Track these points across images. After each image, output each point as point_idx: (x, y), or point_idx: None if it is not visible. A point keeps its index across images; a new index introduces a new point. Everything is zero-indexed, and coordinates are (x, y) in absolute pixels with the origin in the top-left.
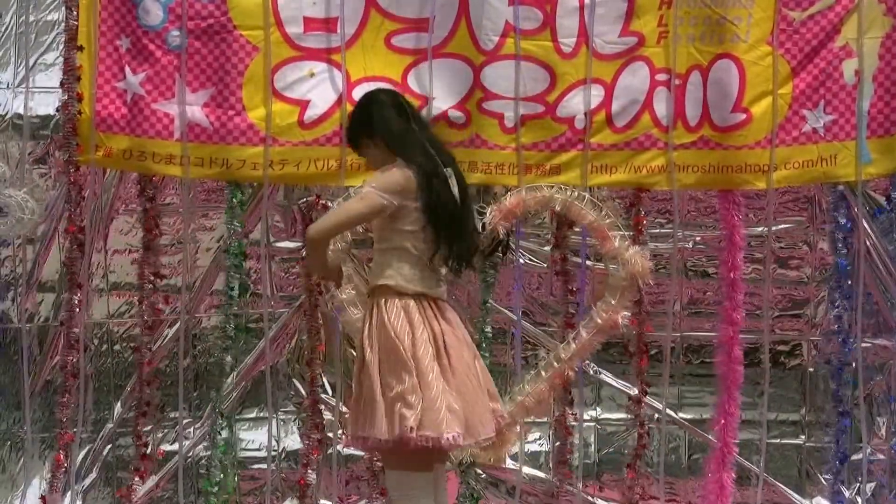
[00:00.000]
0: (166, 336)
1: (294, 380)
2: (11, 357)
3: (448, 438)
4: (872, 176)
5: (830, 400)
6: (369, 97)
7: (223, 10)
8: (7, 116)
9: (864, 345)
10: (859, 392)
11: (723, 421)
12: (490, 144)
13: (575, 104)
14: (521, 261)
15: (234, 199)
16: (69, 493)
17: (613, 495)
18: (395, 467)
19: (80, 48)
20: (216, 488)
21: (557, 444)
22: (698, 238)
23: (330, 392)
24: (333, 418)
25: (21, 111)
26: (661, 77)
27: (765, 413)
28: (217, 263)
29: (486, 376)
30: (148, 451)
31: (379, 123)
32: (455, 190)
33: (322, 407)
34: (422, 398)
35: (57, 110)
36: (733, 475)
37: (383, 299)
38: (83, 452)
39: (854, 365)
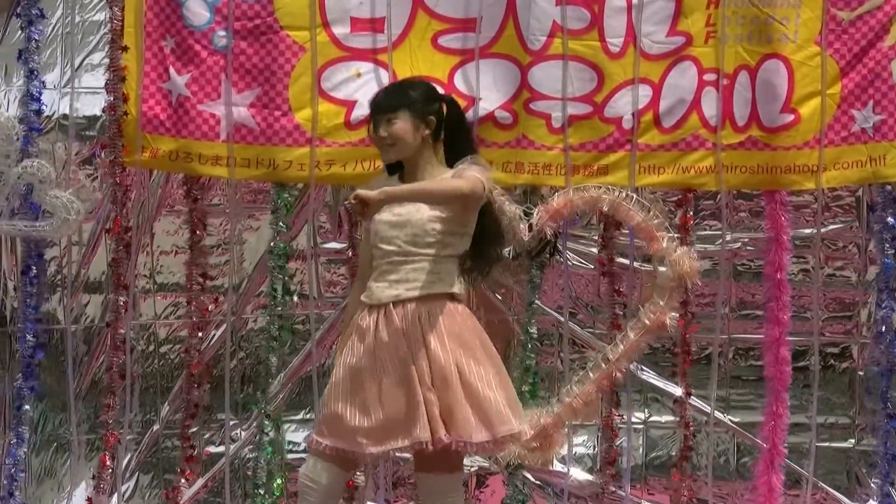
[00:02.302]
0: (213, 337)
1: None
2: (58, 358)
3: None
4: None
5: (879, 402)
6: (448, 97)
7: (269, 11)
8: (53, 117)
9: None
10: None
11: (771, 423)
12: (537, 145)
13: (622, 104)
14: (569, 262)
15: (280, 200)
16: (115, 495)
17: (661, 498)
18: (455, 469)
19: (125, 48)
20: (262, 490)
21: (604, 446)
22: (747, 239)
23: None
24: None
25: (67, 112)
26: (708, 77)
27: (814, 416)
28: (263, 264)
29: None
30: (195, 452)
31: (450, 118)
32: None
33: None
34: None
35: (103, 111)
36: (782, 478)
37: (449, 306)
38: (129, 454)
39: None
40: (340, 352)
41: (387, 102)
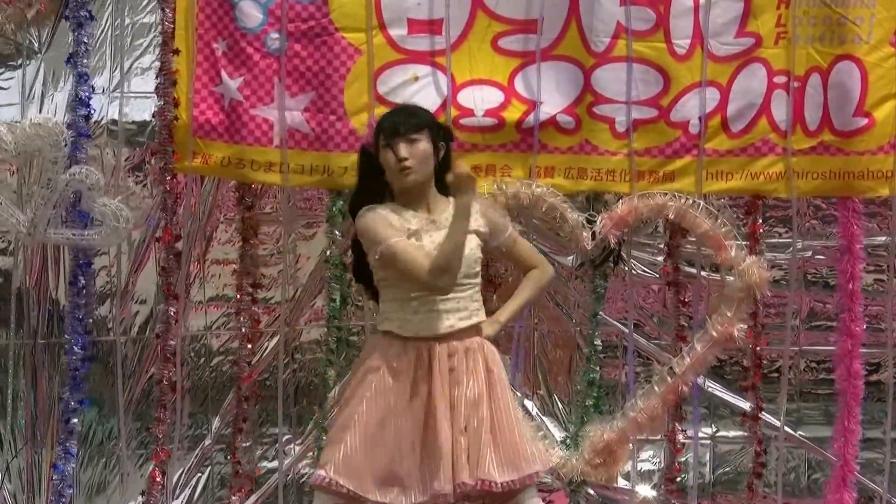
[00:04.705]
0: (266, 349)
1: None
2: (107, 368)
3: None
4: None
5: None
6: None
7: (324, 12)
8: (102, 122)
9: None
10: None
11: (842, 438)
12: (601, 150)
13: (689, 108)
14: (634, 272)
15: (335, 208)
16: None
17: None
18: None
19: (176, 51)
20: None
21: (667, 462)
22: (818, 247)
23: None
24: None
25: (116, 117)
26: (778, 79)
27: (888, 431)
28: (318, 274)
29: None
30: (244, 468)
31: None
32: None
33: None
34: None
35: (153, 116)
36: (854, 495)
37: (481, 340)
38: (180, 469)
39: None
40: (361, 382)
41: (409, 122)
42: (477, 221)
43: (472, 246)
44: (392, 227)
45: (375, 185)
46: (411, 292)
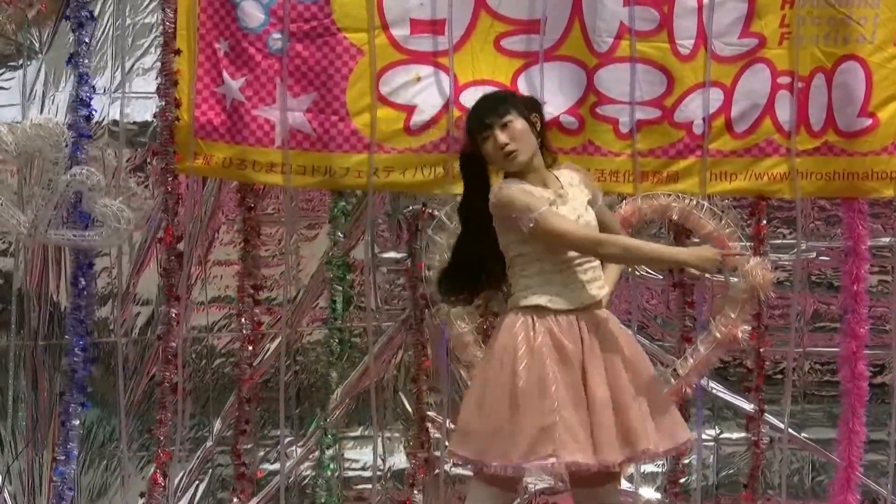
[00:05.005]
0: (267, 351)
1: (401, 395)
2: (110, 369)
3: None
4: None
5: None
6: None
7: (326, 12)
8: (103, 123)
9: None
10: None
11: (847, 440)
12: (604, 151)
13: (693, 109)
14: (637, 273)
15: (337, 209)
16: None
17: None
18: (617, 478)
19: (178, 52)
20: None
21: (671, 464)
22: (823, 248)
23: None
24: (440, 436)
25: (118, 117)
26: (782, 80)
27: (893, 433)
28: (320, 275)
29: None
30: (247, 470)
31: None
32: None
33: (429, 425)
34: None
35: (154, 116)
36: (859, 497)
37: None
38: (182, 471)
39: None
40: (539, 364)
41: (495, 109)
42: (585, 192)
43: (594, 214)
44: (536, 197)
45: (482, 184)
46: (558, 264)
